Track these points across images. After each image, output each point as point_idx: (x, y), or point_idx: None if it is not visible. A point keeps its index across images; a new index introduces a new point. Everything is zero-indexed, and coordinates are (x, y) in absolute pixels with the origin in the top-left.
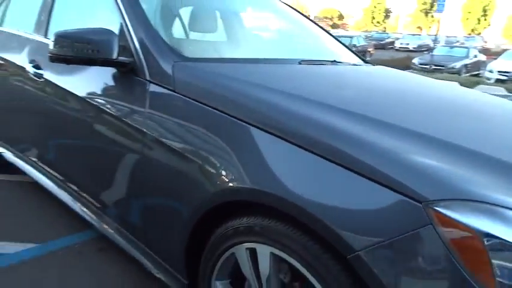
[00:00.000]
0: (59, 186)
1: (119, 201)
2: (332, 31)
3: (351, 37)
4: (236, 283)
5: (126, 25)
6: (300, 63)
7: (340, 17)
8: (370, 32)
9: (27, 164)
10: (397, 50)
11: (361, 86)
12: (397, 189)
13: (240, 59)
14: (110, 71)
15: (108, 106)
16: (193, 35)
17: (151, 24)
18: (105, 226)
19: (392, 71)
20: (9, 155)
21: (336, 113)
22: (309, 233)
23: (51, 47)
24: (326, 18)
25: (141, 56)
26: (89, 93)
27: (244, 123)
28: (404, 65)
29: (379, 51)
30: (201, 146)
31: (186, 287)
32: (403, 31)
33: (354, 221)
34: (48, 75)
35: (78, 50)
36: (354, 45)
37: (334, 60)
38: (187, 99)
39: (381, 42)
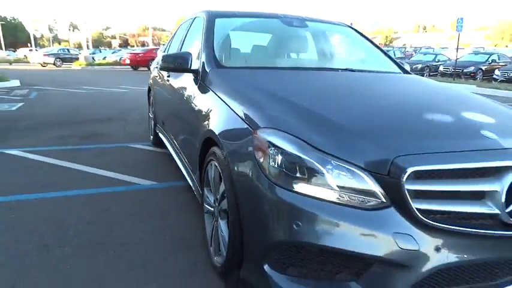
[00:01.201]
0: (172, 148)
1: (185, 146)
2: None
3: None
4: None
5: (201, 49)
6: (313, 70)
7: None
8: None
9: (165, 138)
10: None
11: (319, 82)
12: (249, 124)
13: (260, 67)
14: (191, 76)
15: (187, 96)
16: (243, 52)
17: (213, 49)
18: (184, 170)
19: (392, 78)
20: (161, 135)
21: (265, 94)
22: (220, 148)
23: (160, 62)
24: None
25: (200, 66)
26: (182, 88)
27: (219, 98)
28: None
29: None
30: (203, 111)
31: (201, 196)
32: None
33: (229, 138)
34: (170, 79)
35: (172, 63)
36: None
37: (346, 69)
38: (208, 88)
39: None
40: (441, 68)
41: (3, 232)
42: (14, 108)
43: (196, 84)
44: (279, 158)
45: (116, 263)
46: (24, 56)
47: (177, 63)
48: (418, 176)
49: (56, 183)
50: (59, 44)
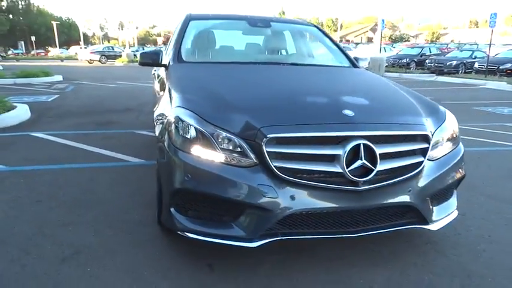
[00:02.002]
0: None
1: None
2: None
3: None
4: None
5: (172, 48)
6: (258, 64)
7: None
8: None
9: None
10: None
11: (250, 74)
12: (171, 105)
13: (213, 62)
14: (163, 69)
15: (162, 78)
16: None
17: (180, 47)
18: None
19: (326, 69)
20: None
21: (195, 82)
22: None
23: (138, 58)
24: None
25: (167, 61)
26: (159, 75)
27: (168, 87)
28: None
29: None
30: (160, 98)
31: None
32: None
33: (161, 116)
34: (155, 73)
35: (147, 58)
36: None
37: (291, 63)
38: (167, 79)
39: None
40: (476, 65)
41: (11, 191)
42: (49, 100)
43: (164, 76)
44: (183, 129)
45: (86, 214)
46: (75, 53)
47: (151, 58)
48: (278, 142)
49: (63, 158)
50: (108, 42)
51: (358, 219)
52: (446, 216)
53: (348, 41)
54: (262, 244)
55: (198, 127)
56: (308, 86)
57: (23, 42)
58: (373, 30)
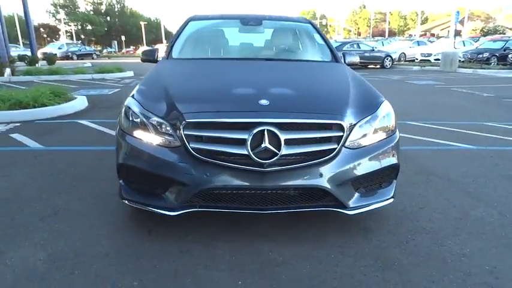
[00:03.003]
0: None
1: None
2: None
3: None
4: None
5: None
6: (234, 60)
7: None
8: None
9: None
10: None
11: (216, 68)
12: (130, 94)
13: (192, 58)
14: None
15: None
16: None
17: (172, 45)
18: None
19: (295, 64)
20: None
21: (158, 76)
22: None
23: (141, 55)
24: None
25: (160, 58)
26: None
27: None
28: None
29: None
30: None
31: None
32: None
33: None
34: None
35: (145, 55)
36: None
37: (266, 58)
38: (155, 66)
39: None
40: None
41: (37, 165)
42: (110, 93)
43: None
44: (130, 116)
45: (81, 185)
46: None
47: (151, 55)
48: (195, 126)
49: (91, 141)
50: None
51: (269, 198)
52: (373, 203)
53: (432, 34)
54: (182, 213)
55: (139, 115)
56: (251, 79)
57: (116, 42)
58: (462, 22)
